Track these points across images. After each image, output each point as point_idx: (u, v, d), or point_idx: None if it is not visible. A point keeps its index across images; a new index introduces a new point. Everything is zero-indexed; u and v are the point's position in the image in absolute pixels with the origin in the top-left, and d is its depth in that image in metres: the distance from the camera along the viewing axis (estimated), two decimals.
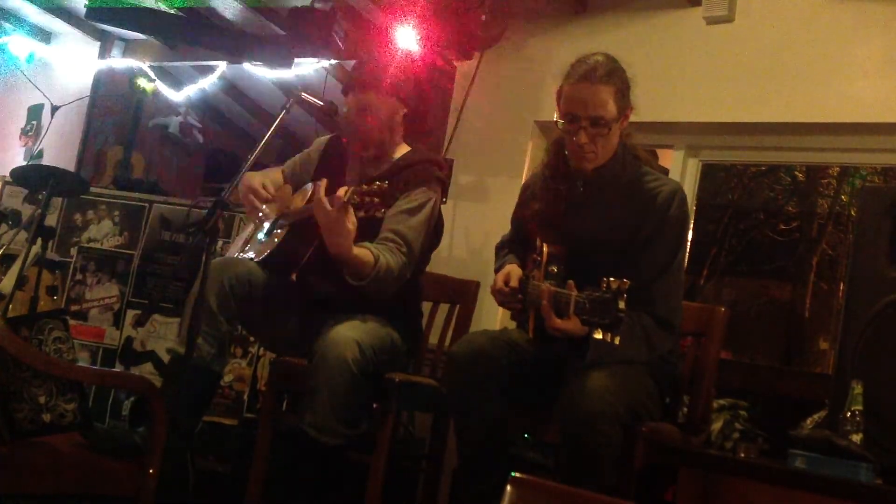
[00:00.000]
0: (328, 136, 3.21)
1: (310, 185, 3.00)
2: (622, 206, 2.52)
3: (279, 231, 2.94)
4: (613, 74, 2.46)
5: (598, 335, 2.08)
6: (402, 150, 2.99)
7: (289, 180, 3.13)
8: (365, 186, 2.56)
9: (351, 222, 2.58)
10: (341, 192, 2.55)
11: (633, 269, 2.40)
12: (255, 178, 2.94)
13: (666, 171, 2.68)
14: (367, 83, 2.90)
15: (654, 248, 2.46)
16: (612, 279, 2.08)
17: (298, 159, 3.19)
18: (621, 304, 2.05)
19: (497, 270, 2.78)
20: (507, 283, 2.54)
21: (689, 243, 2.55)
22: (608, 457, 2.22)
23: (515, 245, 2.83)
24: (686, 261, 2.56)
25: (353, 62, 4.01)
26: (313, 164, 3.09)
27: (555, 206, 2.59)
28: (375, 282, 2.70)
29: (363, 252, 2.68)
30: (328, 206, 2.56)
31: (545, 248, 2.52)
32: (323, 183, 2.65)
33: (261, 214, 3.01)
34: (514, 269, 2.59)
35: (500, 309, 4.02)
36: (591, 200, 2.56)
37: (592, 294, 2.10)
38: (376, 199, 2.55)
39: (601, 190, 2.55)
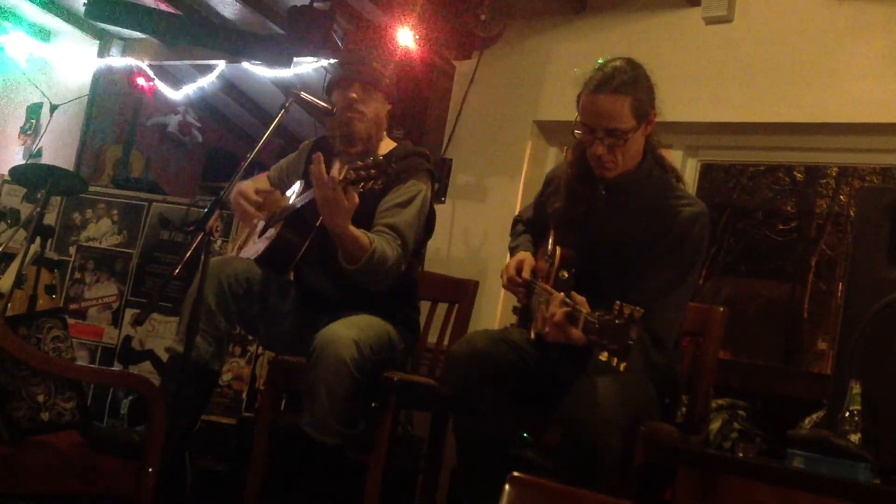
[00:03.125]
0: (313, 139, 3.22)
1: (298, 184, 3.02)
2: (643, 218, 2.47)
3: (273, 229, 2.95)
4: (630, 83, 2.39)
5: (604, 357, 2.03)
6: (388, 146, 3.00)
7: (276, 185, 3.15)
8: (360, 163, 2.57)
9: (350, 199, 2.59)
10: (335, 171, 2.56)
11: (639, 280, 2.39)
12: (245, 184, 2.96)
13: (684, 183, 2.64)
14: (350, 80, 2.91)
15: (666, 265, 2.42)
16: (625, 305, 1.99)
17: (284, 164, 3.20)
18: (633, 333, 1.96)
19: (511, 249, 2.78)
20: (519, 271, 2.54)
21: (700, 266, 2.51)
22: (608, 458, 2.21)
23: (532, 227, 2.82)
24: (696, 282, 2.51)
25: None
26: (301, 166, 3.09)
27: (574, 208, 2.55)
28: (369, 266, 2.69)
29: (360, 234, 2.69)
30: (326, 179, 2.57)
31: (558, 251, 2.48)
32: (319, 156, 2.62)
33: (254, 221, 3.02)
34: (527, 259, 2.59)
35: (500, 308, 4.05)
36: (612, 207, 2.51)
37: (604, 316, 2.02)
38: (373, 171, 2.56)
39: (623, 198, 2.50)
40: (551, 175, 2.79)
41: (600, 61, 2.47)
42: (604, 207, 2.52)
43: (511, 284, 2.57)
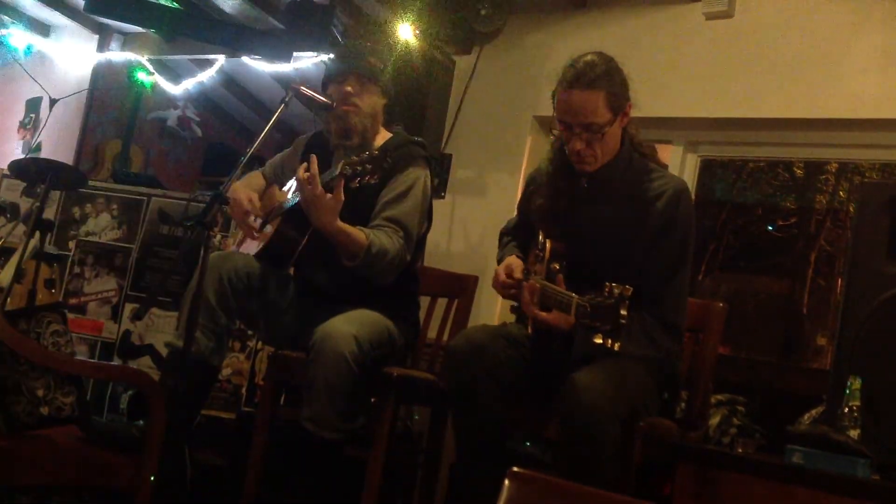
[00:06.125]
0: (310, 134, 3.22)
1: (294, 181, 3.02)
2: (626, 205, 2.49)
3: (271, 225, 2.95)
4: (603, 77, 2.40)
5: (599, 340, 2.04)
6: (384, 137, 3.00)
7: (271, 181, 3.14)
8: (355, 158, 2.57)
9: (335, 197, 2.59)
10: (314, 165, 2.60)
11: (637, 268, 2.40)
12: (241, 194, 2.95)
13: (665, 167, 2.66)
14: (345, 73, 2.91)
15: (661, 250, 2.44)
16: (615, 285, 2.03)
17: (279, 159, 3.20)
18: (623, 311, 2.00)
19: (499, 259, 2.78)
20: (509, 275, 2.54)
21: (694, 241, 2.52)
22: (607, 452, 2.22)
23: (519, 233, 2.83)
24: (691, 259, 2.53)
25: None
26: (296, 161, 3.09)
27: (558, 202, 2.57)
28: (369, 260, 2.69)
29: (353, 230, 2.69)
30: (308, 183, 2.59)
31: (548, 244, 2.50)
32: (313, 159, 2.65)
33: (251, 220, 3.02)
34: (515, 262, 2.59)
35: (499, 303, 4.04)
36: (595, 198, 2.53)
37: (595, 299, 2.06)
38: (368, 166, 2.56)
39: (605, 187, 2.52)
40: (533, 174, 2.80)
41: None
42: (586, 199, 2.54)
43: (504, 288, 2.57)
